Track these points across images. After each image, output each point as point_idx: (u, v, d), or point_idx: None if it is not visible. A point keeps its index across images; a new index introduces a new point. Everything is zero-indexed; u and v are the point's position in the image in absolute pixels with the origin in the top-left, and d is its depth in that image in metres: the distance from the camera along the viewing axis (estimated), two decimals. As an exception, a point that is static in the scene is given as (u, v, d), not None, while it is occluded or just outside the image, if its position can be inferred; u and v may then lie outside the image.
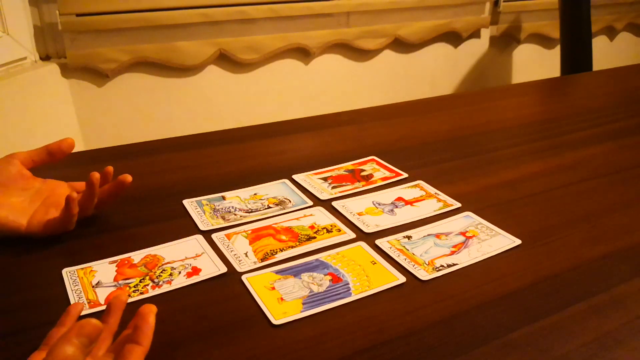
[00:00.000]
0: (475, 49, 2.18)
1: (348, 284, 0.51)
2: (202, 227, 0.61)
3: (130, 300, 0.49)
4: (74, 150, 0.71)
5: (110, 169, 0.62)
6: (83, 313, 0.47)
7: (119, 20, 1.48)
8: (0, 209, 0.57)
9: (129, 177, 0.60)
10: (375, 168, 0.77)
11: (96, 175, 0.57)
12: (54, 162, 0.63)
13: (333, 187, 0.71)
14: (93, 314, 0.47)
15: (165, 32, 1.56)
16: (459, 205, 0.66)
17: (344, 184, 0.72)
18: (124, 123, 1.60)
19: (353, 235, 0.59)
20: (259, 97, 1.78)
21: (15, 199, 0.59)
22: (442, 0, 1.97)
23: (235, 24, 1.64)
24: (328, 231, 0.60)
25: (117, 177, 0.60)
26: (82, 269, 0.53)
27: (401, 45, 1.99)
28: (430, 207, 0.66)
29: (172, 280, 0.51)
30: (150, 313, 0.41)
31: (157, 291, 0.50)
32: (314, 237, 0.59)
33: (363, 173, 0.75)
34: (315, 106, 1.89)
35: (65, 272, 0.53)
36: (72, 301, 0.48)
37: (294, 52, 1.79)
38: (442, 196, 0.68)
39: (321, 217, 0.64)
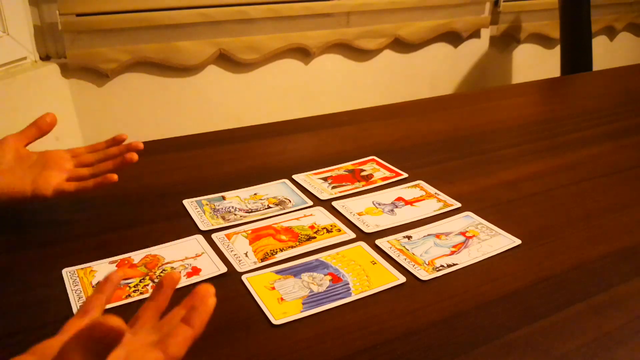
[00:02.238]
0: (475, 49, 2.18)
1: (348, 284, 0.51)
2: (202, 227, 0.61)
3: (130, 300, 0.49)
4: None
5: (124, 136, 0.67)
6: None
7: (119, 20, 1.48)
8: (3, 177, 0.58)
9: (135, 156, 0.62)
10: (375, 168, 0.77)
11: (123, 136, 0.66)
12: (44, 135, 0.64)
13: (333, 187, 0.71)
14: (93, 314, 0.47)
15: (165, 32, 1.56)
16: (459, 205, 0.66)
17: (344, 184, 0.72)
18: (124, 123, 1.60)
19: (353, 235, 0.59)
20: (259, 97, 1.78)
21: (16, 168, 0.61)
22: (442, 0, 1.97)
23: (235, 24, 1.64)
24: (328, 231, 0.60)
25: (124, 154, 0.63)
26: (82, 269, 0.53)
27: (401, 45, 1.99)
28: (430, 207, 0.66)
29: (172, 280, 0.51)
30: (209, 295, 0.37)
31: (157, 291, 0.50)
32: (314, 237, 0.59)
33: (363, 173, 0.75)
34: (315, 106, 1.88)
35: (65, 272, 0.53)
36: (72, 301, 0.48)
37: (294, 52, 1.79)
38: (442, 196, 0.68)
39: (321, 217, 0.64)
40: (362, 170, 0.76)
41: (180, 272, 0.46)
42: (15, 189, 0.59)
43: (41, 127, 0.64)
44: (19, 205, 0.59)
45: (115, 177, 0.61)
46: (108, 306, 0.48)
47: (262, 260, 0.55)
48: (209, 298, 0.37)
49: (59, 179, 0.61)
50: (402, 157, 0.80)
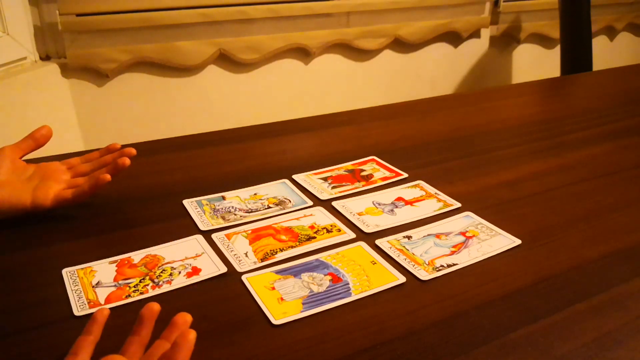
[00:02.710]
0: (475, 49, 2.18)
1: (348, 284, 0.51)
2: (202, 227, 0.61)
3: (130, 300, 0.49)
4: (74, 150, 0.71)
5: (116, 145, 0.67)
6: (84, 313, 0.47)
7: (119, 20, 1.48)
8: (3, 189, 0.59)
9: (127, 161, 0.63)
10: (375, 168, 0.77)
11: (116, 145, 0.67)
12: (39, 147, 0.65)
13: (333, 187, 0.71)
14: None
15: (165, 32, 1.56)
16: (459, 205, 0.66)
17: (344, 184, 0.72)
18: (124, 123, 1.60)
19: (353, 235, 0.59)
20: (259, 97, 1.78)
21: (14, 180, 0.61)
22: (442, 0, 1.97)
23: (235, 24, 1.64)
24: (328, 231, 0.60)
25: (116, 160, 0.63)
26: (82, 269, 0.53)
27: (401, 45, 1.99)
28: (430, 207, 0.66)
29: (172, 280, 0.51)
30: (188, 327, 0.40)
31: (157, 291, 0.50)
32: (314, 237, 0.59)
33: (363, 173, 0.75)
34: (315, 106, 1.88)
35: (65, 272, 0.53)
36: (72, 301, 0.48)
37: (294, 52, 1.79)
38: (442, 196, 0.68)
39: (321, 217, 0.64)
40: (362, 170, 0.76)
41: (158, 303, 0.45)
42: (15, 201, 0.59)
43: (37, 140, 0.65)
44: (18, 215, 0.60)
45: (108, 176, 0.61)
46: (109, 306, 0.48)
47: (262, 260, 0.55)
48: (189, 334, 0.39)
49: (57, 189, 0.62)
50: (402, 157, 0.80)
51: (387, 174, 0.75)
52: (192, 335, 0.39)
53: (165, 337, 0.41)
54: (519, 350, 0.43)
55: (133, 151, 0.65)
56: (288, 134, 0.91)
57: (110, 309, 0.47)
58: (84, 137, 1.55)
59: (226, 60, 1.68)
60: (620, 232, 0.60)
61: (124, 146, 0.68)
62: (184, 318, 0.42)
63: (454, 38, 2.10)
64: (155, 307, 0.43)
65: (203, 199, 0.67)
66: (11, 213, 0.60)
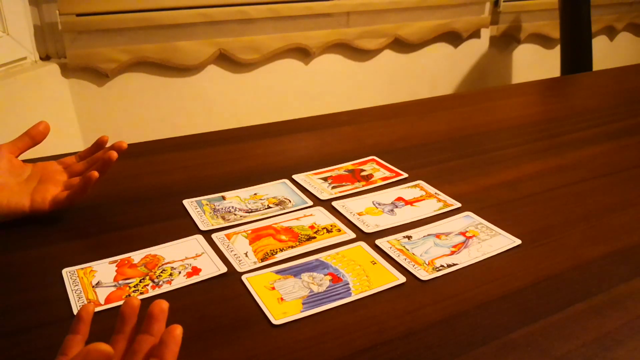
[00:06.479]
0: (475, 49, 2.18)
1: (348, 284, 0.51)
2: (202, 227, 0.61)
3: (130, 300, 0.49)
4: (74, 150, 0.71)
5: (105, 138, 0.66)
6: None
7: (119, 20, 1.48)
8: (1, 192, 0.59)
9: (114, 154, 0.61)
10: (375, 168, 0.77)
11: (105, 138, 0.66)
12: (37, 144, 0.65)
13: (333, 187, 0.71)
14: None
15: (165, 32, 1.56)
16: (459, 205, 0.66)
17: (344, 184, 0.72)
18: (123, 123, 1.60)
19: (353, 235, 0.59)
20: (259, 97, 1.78)
21: (12, 183, 0.61)
22: (442, 0, 1.97)
23: (235, 24, 1.64)
24: (328, 231, 0.60)
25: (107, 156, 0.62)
26: (82, 269, 0.53)
27: (401, 45, 1.99)
28: (430, 207, 0.66)
29: (172, 280, 0.51)
30: (176, 325, 0.38)
31: (157, 291, 0.50)
32: (314, 237, 0.59)
33: (363, 173, 0.75)
34: (315, 106, 1.89)
35: (65, 272, 0.53)
36: (72, 301, 0.48)
37: (294, 52, 1.79)
38: (442, 196, 0.68)
39: (321, 217, 0.64)
40: (362, 170, 0.76)
41: (137, 299, 0.43)
42: (13, 205, 0.59)
43: (34, 137, 0.64)
44: (17, 218, 0.60)
45: (95, 173, 0.60)
46: (109, 306, 0.48)
47: (262, 260, 0.55)
48: (175, 329, 0.37)
49: (54, 192, 0.61)
50: (402, 157, 0.80)
51: (387, 174, 0.75)
52: (179, 330, 0.38)
53: (146, 330, 0.40)
54: (519, 350, 0.43)
55: (124, 145, 0.63)
56: (288, 134, 0.91)
57: (110, 309, 0.47)
58: (84, 137, 1.55)
59: (226, 60, 1.68)
60: (620, 232, 0.60)
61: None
62: (160, 306, 0.40)
63: (454, 38, 2.10)
64: (135, 302, 0.41)
65: (203, 199, 0.67)
66: (9, 217, 0.59)
